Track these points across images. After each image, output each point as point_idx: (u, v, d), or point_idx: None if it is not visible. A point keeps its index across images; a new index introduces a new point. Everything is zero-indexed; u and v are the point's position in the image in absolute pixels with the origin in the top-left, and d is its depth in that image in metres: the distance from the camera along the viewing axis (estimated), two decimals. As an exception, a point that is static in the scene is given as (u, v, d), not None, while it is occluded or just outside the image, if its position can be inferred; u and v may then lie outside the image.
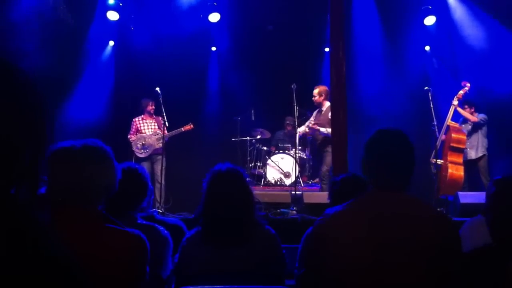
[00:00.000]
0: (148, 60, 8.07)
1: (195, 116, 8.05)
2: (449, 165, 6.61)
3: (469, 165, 6.78)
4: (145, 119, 7.30)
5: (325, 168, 6.57)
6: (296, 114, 6.65)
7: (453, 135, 6.68)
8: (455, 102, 6.80)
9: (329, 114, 5.98)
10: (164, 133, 6.85)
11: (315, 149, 7.15)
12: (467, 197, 5.36)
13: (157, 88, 6.71)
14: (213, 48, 8.87)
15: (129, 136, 7.20)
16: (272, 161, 7.50)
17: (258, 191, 5.72)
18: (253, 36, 8.47)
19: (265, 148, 7.88)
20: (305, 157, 7.63)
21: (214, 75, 8.98)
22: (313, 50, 8.57)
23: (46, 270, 0.73)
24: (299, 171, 7.10)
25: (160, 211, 6.07)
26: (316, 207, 5.31)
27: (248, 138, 7.99)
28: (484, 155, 6.83)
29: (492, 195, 1.88)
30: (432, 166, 6.64)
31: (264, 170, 7.56)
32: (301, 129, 7.09)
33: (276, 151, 7.72)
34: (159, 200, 6.63)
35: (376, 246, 1.62)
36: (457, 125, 6.85)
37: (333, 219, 1.75)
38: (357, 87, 7.86)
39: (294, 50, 8.32)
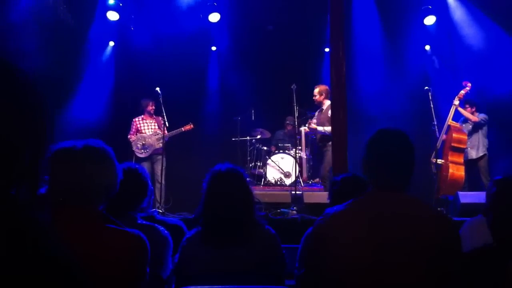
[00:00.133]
0: (148, 60, 8.07)
1: (195, 116, 8.05)
2: (450, 165, 6.61)
3: (469, 165, 6.78)
4: (145, 119, 7.30)
5: (326, 168, 6.57)
6: (296, 114, 6.65)
7: (454, 135, 6.68)
8: (456, 102, 6.79)
9: (329, 112, 5.99)
10: (164, 133, 6.85)
11: (316, 149, 7.15)
12: (467, 197, 5.37)
13: (157, 88, 6.72)
14: (213, 48, 8.88)
15: (129, 136, 7.20)
16: (272, 161, 7.50)
17: (258, 191, 5.72)
18: (253, 36, 8.47)
19: (265, 148, 7.88)
20: (305, 157, 7.63)
21: (214, 75, 8.98)
22: (313, 50, 8.57)
23: (46, 270, 0.73)
24: (299, 171, 7.10)
25: (160, 211, 6.08)
26: (316, 207, 5.32)
27: (248, 138, 7.99)
28: (484, 154, 6.84)
29: (493, 195, 1.88)
30: (432, 166, 6.64)
31: (264, 170, 7.55)
32: (306, 129, 7.12)
33: (276, 151, 7.72)
34: (159, 200, 6.63)
35: (376, 246, 1.62)
36: (458, 125, 6.85)
37: (333, 219, 1.75)
38: (357, 87, 7.86)
39: (294, 50, 8.32)
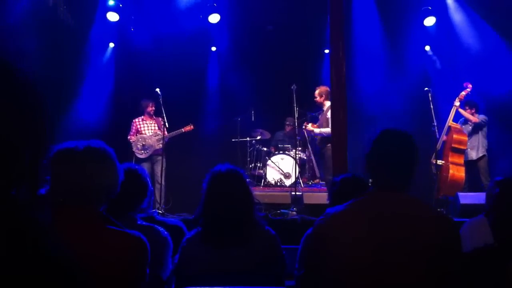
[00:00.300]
0: (148, 61, 8.08)
1: (195, 116, 8.06)
2: (451, 166, 6.61)
3: (469, 165, 6.79)
4: (145, 120, 7.30)
5: (328, 172, 6.57)
6: (296, 115, 6.66)
7: (454, 136, 6.68)
8: (457, 103, 6.80)
9: (328, 113, 6.01)
10: (164, 133, 6.85)
11: (317, 150, 7.15)
12: (467, 197, 5.37)
13: (157, 89, 6.73)
14: (213, 48, 8.87)
15: (129, 137, 7.19)
16: (272, 161, 7.50)
17: (258, 192, 5.72)
18: (253, 37, 8.48)
19: (265, 149, 7.88)
20: (305, 157, 7.64)
21: (214, 75, 8.98)
22: (313, 50, 8.57)
23: (46, 271, 0.73)
24: (299, 172, 7.10)
25: (160, 211, 6.08)
26: (316, 208, 5.33)
27: (248, 138, 7.99)
28: (484, 155, 6.84)
29: (495, 196, 1.88)
30: (432, 167, 6.64)
31: (264, 171, 7.56)
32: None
33: (276, 152, 7.72)
34: (159, 201, 6.63)
35: (376, 246, 1.62)
36: (458, 126, 6.85)
37: (334, 219, 1.75)
38: (357, 87, 7.86)
39: (294, 51, 8.32)
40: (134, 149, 7.10)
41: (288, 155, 7.49)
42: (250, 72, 8.25)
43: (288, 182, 7.28)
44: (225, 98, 8.77)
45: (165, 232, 2.47)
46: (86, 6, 7.83)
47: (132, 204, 2.51)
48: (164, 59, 8.02)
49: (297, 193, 5.88)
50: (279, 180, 7.39)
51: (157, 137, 7.09)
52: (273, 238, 2.41)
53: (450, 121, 6.78)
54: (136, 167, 2.66)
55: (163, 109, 6.71)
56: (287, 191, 6.27)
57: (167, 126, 6.82)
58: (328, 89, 6.59)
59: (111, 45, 8.47)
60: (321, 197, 5.53)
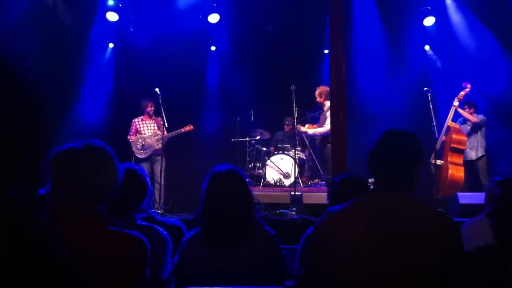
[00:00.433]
0: (147, 60, 8.07)
1: (195, 116, 8.06)
2: (450, 166, 6.61)
3: (468, 165, 6.79)
4: (145, 120, 7.30)
5: (329, 173, 6.59)
6: (296, 115, 6.65)
7: (453, 136, 6.68)
8: (456, 103, 6.80)
9: (327, 113, 6.02)
10: (163, 133, 6.85)
11: (318, 150, 7.15)
12: (466, 197, 5.37)
13: (157, 89, 6.73)
14: (213, 48, 8.87)
15: (128, 137, 7.19)
16: (271, 161, 7.50)
17: (257, 192, 5.72)
18: (252, 37, 8.48)
19: (264, 149, 7.88)
20: (304, 157, 7.64)
21: (213, 75, 8.98)
22: (312, 50, 8.57)
23: (46, 271, 0.73)
24: (298, 172, 7.10)
25: (159, 211, 6.07)
26: (316, 208, 5.33)
27: (247, 138, 7.99)
28: (483, 155, 6.85)
29: (496, 196, 1.89)
30: (432, 167, 6.64)
31: (263, 171, 7.56)
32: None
33: (276, 152, 7.72)
34: (158, 201, 6.63)
35: (377, 246, 1.62)
36: (457, 126, 6.86)
37: (334, 218, 1.75)
38: (357, 87, 7.86)
39: (294, 51, 8.32)
40: (133, 149, 7.10)
41: (288, 155, 7.50)
42: (249, 72, 8.25)
43: (287, 182, 7.28)
44: (224, 98, 8.77)
45: (165, 232, 2.47)
46: (85, 6, 7.83)
47: (131, 204, 2.51)
48: (163, 59, 8.02)
49: (296, 193, 5.88)
50: (278, 180, 7.39)
51: (156, 137, 7.09)
52: (272, 238, 2.42)
53: (449, 121, 6.78)
54: (136, 167, 2.66)
55: (162, 109, 6.71)
56: (286, 191, 6.27)
57: (166, 126, 6.82)
58: (328, 89, 6.60)
59: (111, 45, 8.47)
60: (320, 197, 5.53)
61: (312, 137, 7.32)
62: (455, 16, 7.89)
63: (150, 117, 7.31)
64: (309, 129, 6.88)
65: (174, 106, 7.31)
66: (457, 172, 6.59)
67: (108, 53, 8.49)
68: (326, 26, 5.17)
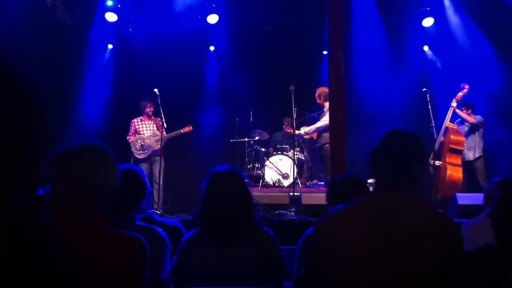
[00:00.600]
0: (146, 61, 8.07)
1: (194, 117, 8.06)
2: (448, 166, 6.62)
3: (466, 166, 6.80)
4: (144, 121, 7.30)
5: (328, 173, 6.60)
6: (295, 116, 6.66)
7: (452, 136, 6.69)
8: (454, 104, 6.82)
9: (327, 114, 6.04)
10: (163, 134, 6.84)
11: (316, 150, 7.16)
12: (465, 198, 5.38)
13: (156, 90, 6.72)
14: (212, 48, 8.86)
15: (128, 138, 7.19)
16: (270, 162, 7.50)
17: (256, 192, 5.71)
18: (251, 37, 8.48)
19: (263, 149, 7.88)
20: (303, 158, 7.64)
21: (212, 76, 8.98)
22: (312, 51, 8.57)
23: (46, 271, 0.73)
24: (297, 172, 7.11)
25: (158, 212, 6.07)
26: (314, 209, 5.32)
27: (246, 139, 7.99)
28: (480, 156, 6.86)
29: (497, 197, 1.89)
30: (430, 168, 6.65)
31: (262, 171, 7.55)
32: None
33: (274, 152, 7.72)
34: (157, 202, 6.63)
35: (377, 246, 1.62)
36: (455, 126, 6.87)
37: (335, 218, 1.76)
38: (356, 87, 7.86)
39: (293, 51, 8.32)
40: (132, 149, 7.10)
41: (286, 155, 7.50)
42: (248, 72, 8.25)
43: (286, 183, 7.29)
44: (223, 98, 8.77)
45: (164, 233, 2.47)
46: (84, 6, 7.83)
47: (130, 205, 2.51)
48: (162, 60, 8.01)
49: (295, 193, 5.88)
50: (277, 181, 7.39)
51: (155, 138, 7.09)
52: (272, 238, 2.42)
53: (447, 122, 6.79)
54: (135, 167, 2.66)
55: (161, 109, 6.71)
56: (285, 192, 6.26)
57: (165, 126, 6.82)
58: (327, 90, 6.61)
59: (110, 46, 8.47)
60: (319, 197, 5.52)
61: (310, 138, 7.33)
62: (453, 17, 7.91)
63: (149, 117, 7.30)
64: (303, 129, 6.96)
65: (173, 107, 7.31)
66: (455, 172, 6.60)
67: (107, 54, 8.49)
68: (325, 27, 5.18)
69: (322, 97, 6.76)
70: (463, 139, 6.76)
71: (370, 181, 4.54)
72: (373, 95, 8.00)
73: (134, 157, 7.07)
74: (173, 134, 7.10)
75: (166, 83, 7.37)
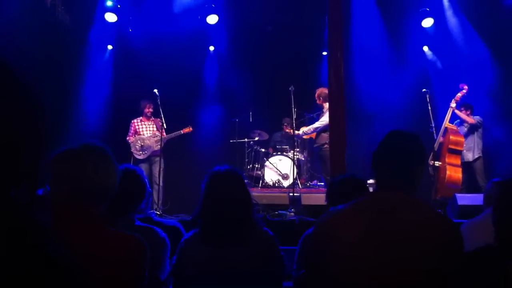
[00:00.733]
0: (146, 61, 8.07)
1: (193, 117, 8.06)
2: (448, 167, 6.62)
3: (465, 167, 6.80)
4: (143, 121, 7.29)
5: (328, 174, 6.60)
6: (294, 116, 6.66)
7: (451, 137, 6.70)
8: (453, 104, 6.82)
9: (326, 114, 6.04)
10: (163, 134, 6.84)
11: (315, 150, 7.16)
12: (464, 199, 5.38)
13: (155, 90, 6.72)
14: (211, 48, 8.86)
15: (127, 138, 7.19)
16: (270, 162, 7.50)
17: (256, 193, 5.72)
18: (251, 38, 8.48)
19: (263, 150, 7.88)
20: (303, 158, 7.64)
21: (212, 76, 8.98)
22: (311, 51, 8.58)
23: (46, 271, 0.73)
24: (297, 173, 7.11)
25: (158, 212, 6.07)
26: (314, 209, 5.32)
27: (246, 140, 7.99)
28: (480, 156, 6.87)
29: (497, 196, 1.89)
30: (430, 168, 6.65)
31: (262, 172, 7.55)
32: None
33: (274, 153, 7.72)
34: (157, 202, 6.63)
35: (377, 246, 1.62)
36: (455, 127, 6.87)
37: (335, 218, 1.76)
38: (356, 87, 7.86)
39: (293, 52, 8.33)
40: (132, 150, 7.10)
41: (286, 156, 7.50)
42: (248, 73, 8.26)
43: (286, 183, 7.29)
44: (223, 99, 8.77)
45: (163, 233, 2.47)
46: (84, 7, 7.83)
47: (130, 205, 2.51)
48: (162, 60, 8.02)
49: (295, 194, 5.88)
50: (277, 181, 7.39)
51: (155, 138, 7.08)
52: (271, 238, 2.42)
53: (446, 123, 6.79)
54: (134, 168, 2.65)
55: (161, 110, 6.71)
56: (285, 192, 6.27)
57: (165, 127, 6.82)
58: (326, 91, 6.61)
59: (109, 47, 8.47)
60: (319, 198, 5.52)
61: (311, 138, 7.33)
62: (453, 18, 7.91)
63: (148, 118, 7.30)
64: (302, 129, 6.97)
65: (172, 107, 7.31)
66: (455, 173, 6.60)
67: (107, 54, 8.49)
68: (325, 27, 5.18)
69: (321, 97, 6.76)
70: (462, 139, 6.76)
71: (370, 181, 4.54)
72: (373, 95, 8.01)
73: (134, 157, 7.07)
74: (173, 134, 7.10)
75: (166, 83, 7.37)
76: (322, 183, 6.96)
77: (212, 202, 2.35)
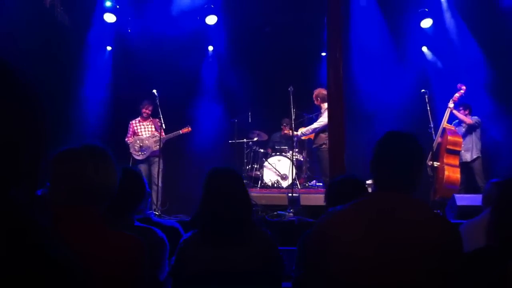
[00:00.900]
0: (145, 62, 8.07)
1: (192, 118, 8.06)
2: (446, 167, 6.62)
3: (464, 167, 6.81)
4: (142, 122, 7.29)
5: (326, 174, 6.60)
6: (293, 117, 6.66)
7: (449, 137, 6.70)
8: (451, 104, 6.84)
9: (325, 114, 6.04)
10: (161, 135, 6.84)
11: (314, 150, 7.17)
12: (463, 199, 5.38)
13: (154, 90, 6.72)
14: (210, 48, 8.86)
15: (126, 139, 7.19)
16: (269, 163, 7.50)
17: (255, 193, 5.72)
18: (250, 38, 8.49)
19: (262, 150, 7.88)
20: (301, 159, 7.64)
21: (211, 77, 8.98)
22: (310, 52, 8.58)
23: (46, 271, 0.73)
24: (296, 173, 7.11)
25: (157, 213, 6.07)
26: (313, 209, 5.32)
27: (245, 140, 7.98)
28: (478, 157, 6.88)
29: (496, 197, 1.89)
30: (428, 169, 6.65)
31: (261, 172, 7.55)
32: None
33: (273, 153, 7.72)
34: (156, 203, 6.63)
35: (377, 246, 1.62)
36: (453, 127, 6.88)
37: (335, 218, 1.76)
38: (355, 87, 7.87)
39: (292, 52, 8.33)
40: (131, 150, 7.10)
41: (285, 156, 7.50)
42: (247, 73, 8.26)
43: (285, 184, 7.29)
44: (222, 99, 8.77)
45: (162, 234, 2.46)
46: (83, 7, 7.83)
47: (129, 206, 2.51)
48: (161, 60, 8.02)
49: (294, 194, 5.88)
50: (276, 182, 7.39)
51: (154, 139, 7.08)
52: (270, 239, 2.42)
53: (444, 123, 6.80)
54: (134, 168, 2.65)
55: (160, 110, 6.71)
56: (284, 193, 6.27)
57: (164, 127, 6.82)
58: (323, 91, 6.62)
59: (109, 48, 8.47)
60: (318, 198, 5.53)
61: (310, 139, 7.33)
62: (451, 19, 7.93)
63: (147, 118, 7.30)
64: (300, 130, 6.97)
65: (171, 107, 7.31)
66: (453, 173, 6.61)
67: (106, 55, 8.49)
68: (324, 28, 5.18)
69: (319, 98, 6.77)
70: (461, 139, 6.77)
71: (368, 182, 4.54)
72: (372, 95, 8.01)
73: (133, 158, 7.07)
74: (171, 135, 7.10)
75: (164, 84, 7.37)
76: (321, 184, 6.96)
77: (211, 202, 2.35)
